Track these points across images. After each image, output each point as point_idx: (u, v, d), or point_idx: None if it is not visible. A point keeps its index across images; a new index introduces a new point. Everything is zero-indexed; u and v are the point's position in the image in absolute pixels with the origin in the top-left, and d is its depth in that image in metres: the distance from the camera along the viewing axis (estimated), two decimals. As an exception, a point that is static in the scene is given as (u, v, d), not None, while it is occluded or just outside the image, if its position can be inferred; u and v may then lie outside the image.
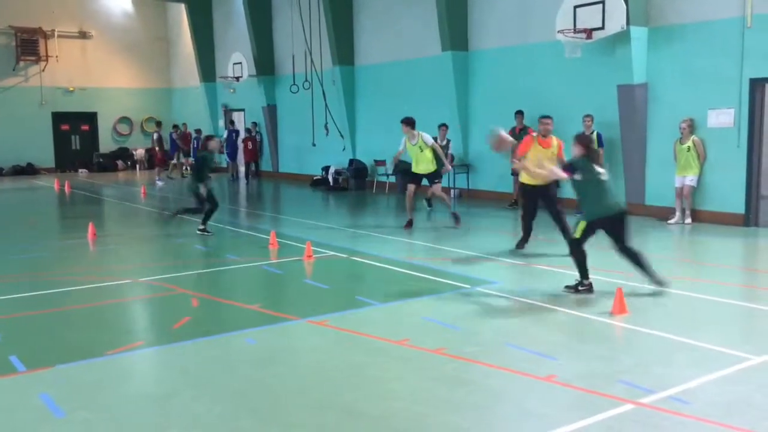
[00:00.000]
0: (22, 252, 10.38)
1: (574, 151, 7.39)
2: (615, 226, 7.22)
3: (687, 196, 11.72)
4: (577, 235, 7.32)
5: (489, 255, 9.43)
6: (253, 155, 22.42)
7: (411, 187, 11.94)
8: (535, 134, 9.71)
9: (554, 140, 9.61)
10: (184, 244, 11.05)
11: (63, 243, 11.62)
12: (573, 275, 7.98)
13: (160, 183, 21.65)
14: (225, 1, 25.03)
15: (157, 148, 23.27)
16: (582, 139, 7.48)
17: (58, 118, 27.55)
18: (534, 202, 9.65)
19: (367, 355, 5.54)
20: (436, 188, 12.00)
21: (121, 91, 28.71)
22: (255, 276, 8.82)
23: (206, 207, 11.52)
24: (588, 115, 12.88)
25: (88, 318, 6.88)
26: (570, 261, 7.49)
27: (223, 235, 12.11)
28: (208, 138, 11.98)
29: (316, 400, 4.68)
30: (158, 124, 24.23)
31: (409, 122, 11.68)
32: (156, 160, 23.65)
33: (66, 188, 20.41)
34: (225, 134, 23.44)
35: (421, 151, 11.65)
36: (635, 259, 7.26)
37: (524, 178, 9.63)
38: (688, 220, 11.71)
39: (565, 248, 8.13)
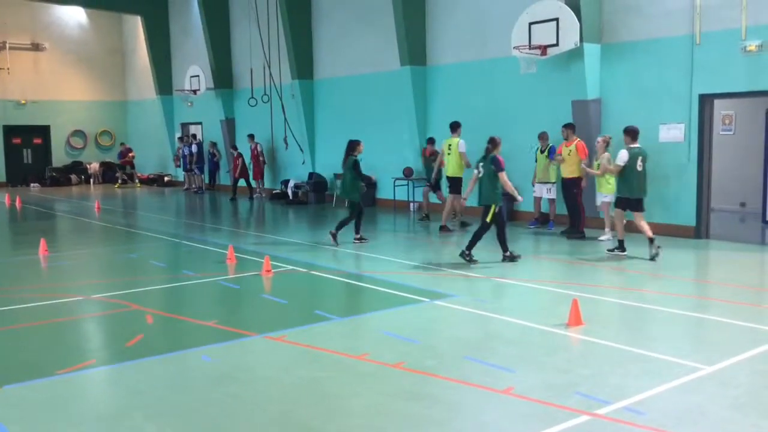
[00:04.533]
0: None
1: None
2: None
3: (605, 210, 11.60)
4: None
5: (447, 268, 9.47)
6: (259, 172, 20.92)
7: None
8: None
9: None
10: (138, 260, 10.86)
11: (13, 259, 11.30)
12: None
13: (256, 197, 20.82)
14: (182, 14, 24.81)
15: (261, 159, 20.95)
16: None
17: (10, 131, 26.93)
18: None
19: (325, 371, 5.50)
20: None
21: (75, 104, 28.18)
22: (211, 291, 8.69)
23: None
24: (542, 134, 12.97)
25: (38, 336, 6.69)
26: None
27: (179, 249, 11.94)
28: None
29: (272, 419, 4.61)
30: (251, 137, 21.21)
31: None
32: (254, 174, 21.13)
33: (17, 203, 19.88)
34: (195, 148, 23.16)
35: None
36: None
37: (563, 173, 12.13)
38: (607, 236, 11.59)
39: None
